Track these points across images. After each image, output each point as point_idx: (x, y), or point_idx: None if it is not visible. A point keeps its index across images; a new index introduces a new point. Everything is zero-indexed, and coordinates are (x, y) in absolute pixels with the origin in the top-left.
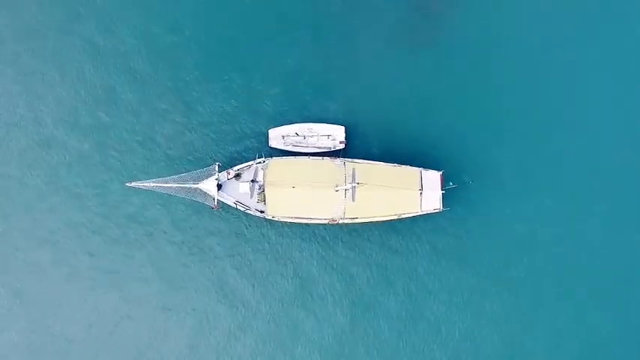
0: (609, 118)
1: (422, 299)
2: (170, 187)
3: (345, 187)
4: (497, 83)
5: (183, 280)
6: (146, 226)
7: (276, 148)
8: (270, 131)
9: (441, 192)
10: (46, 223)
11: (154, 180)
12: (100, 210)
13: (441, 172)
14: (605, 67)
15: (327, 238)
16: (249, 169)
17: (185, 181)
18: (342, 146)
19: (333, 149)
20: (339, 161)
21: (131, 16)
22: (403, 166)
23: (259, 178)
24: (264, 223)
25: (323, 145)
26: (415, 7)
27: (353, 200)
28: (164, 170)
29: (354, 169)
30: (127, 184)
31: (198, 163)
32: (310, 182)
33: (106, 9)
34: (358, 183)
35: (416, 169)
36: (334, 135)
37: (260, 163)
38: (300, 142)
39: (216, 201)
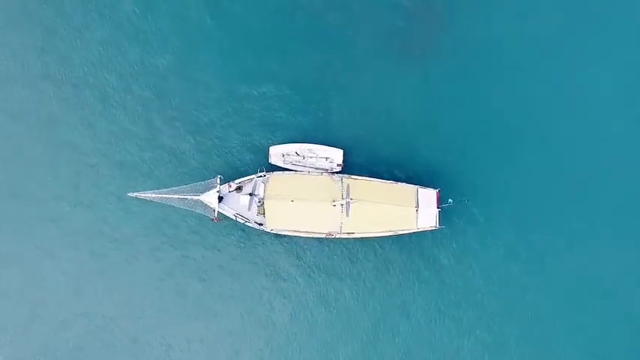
0: (616, 134)
1: (413, 317)
2: (171, 198)
3: (340, 202)
4: (497, 99)
5: (183, 291)
6: (142, 237)
7: (275, 165)
8: (271, 148)
9: (437, 210)
10: (43, 232)
11: (154, 191)
12: (100, 220)
13: (437, 190)
14: (613, 82)
15: (324, 251)
16: (251, 182)
17: (186, 192)
18: (338, 169)
19: (330, 171)
20: (336, 177)
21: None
22: (400, 183)
23: (259, 191)
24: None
25: (321, 167)
26: (414, 17)
27: (347, 215)
28: (166, 181)
29: (349, 185)
30: (129, 194)
31: (199, 176)
32: (308, 196)
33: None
34: (352, 199)
35: (412, 187)
36: (332, 157)
37: (261, 177)
38: (299, 162)
39: (216, 213)
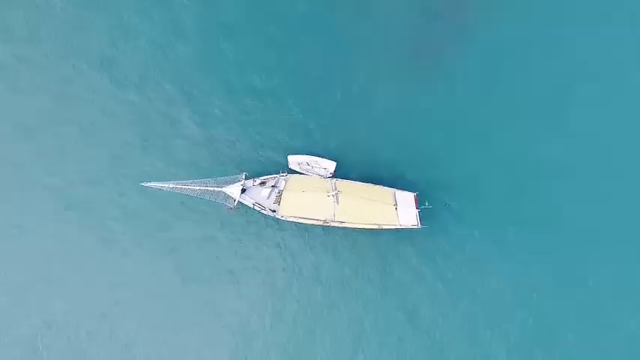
0: (600, 145)
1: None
2: (193, 189)
3: (332, 193)
4: (480, 110)
5: (184, 288)
6: (155, 226)
7: (293, 170)
8: (289, 157)
9: (416, 210)
10: (59, 219)
11: (171, 182)
12: (115, 206)
13: (414, 194)
14: (608, 99)
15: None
16: (274, 179)
17: (210, 184)
18: (330, 175)
19: (324, 177)
20: (329, 180)
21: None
22: (379, 185)
23: (280, 185)
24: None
25: (320, 174)
26: (402, 37)
27: (337, 203)
28: (183, 171)
29: (335, 183)
30: (142, 184)
31: (216, 170)
32: (312, 190)
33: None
34: (339, 191)
35: (390, 189)
36: (328, 167)
37: (283, 176)
38: (308, 170)
39: (236, 202)
